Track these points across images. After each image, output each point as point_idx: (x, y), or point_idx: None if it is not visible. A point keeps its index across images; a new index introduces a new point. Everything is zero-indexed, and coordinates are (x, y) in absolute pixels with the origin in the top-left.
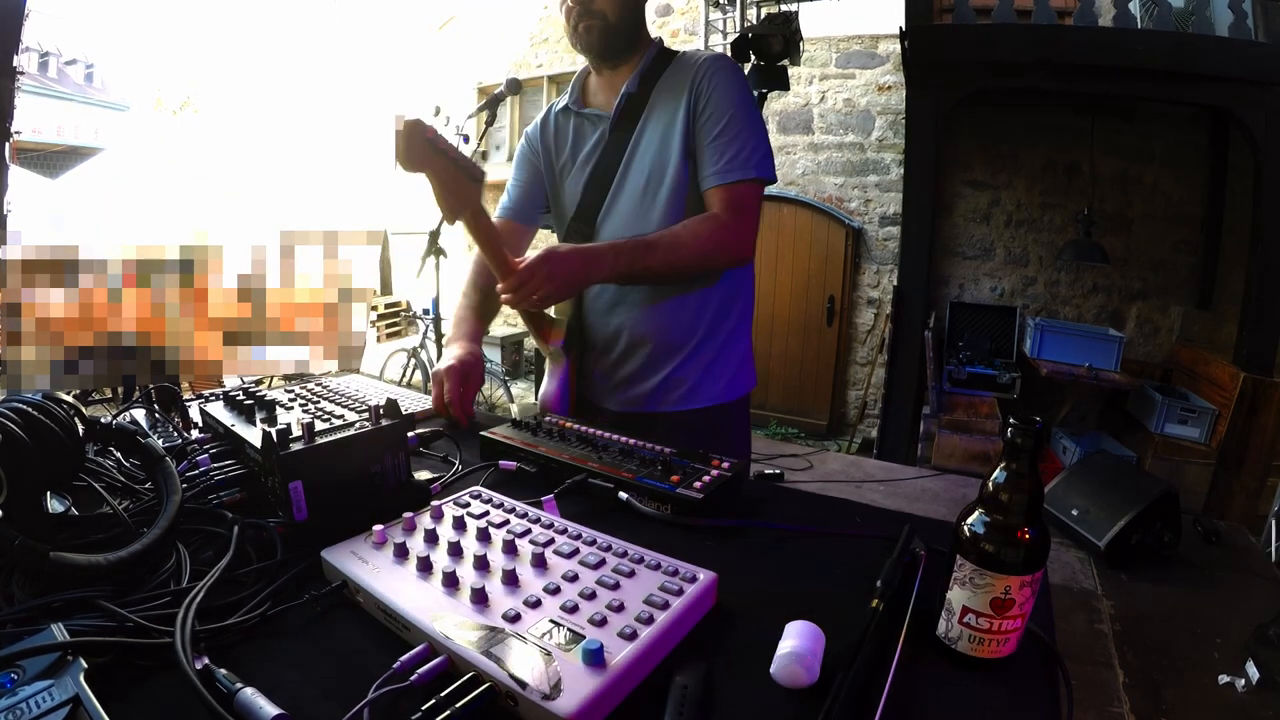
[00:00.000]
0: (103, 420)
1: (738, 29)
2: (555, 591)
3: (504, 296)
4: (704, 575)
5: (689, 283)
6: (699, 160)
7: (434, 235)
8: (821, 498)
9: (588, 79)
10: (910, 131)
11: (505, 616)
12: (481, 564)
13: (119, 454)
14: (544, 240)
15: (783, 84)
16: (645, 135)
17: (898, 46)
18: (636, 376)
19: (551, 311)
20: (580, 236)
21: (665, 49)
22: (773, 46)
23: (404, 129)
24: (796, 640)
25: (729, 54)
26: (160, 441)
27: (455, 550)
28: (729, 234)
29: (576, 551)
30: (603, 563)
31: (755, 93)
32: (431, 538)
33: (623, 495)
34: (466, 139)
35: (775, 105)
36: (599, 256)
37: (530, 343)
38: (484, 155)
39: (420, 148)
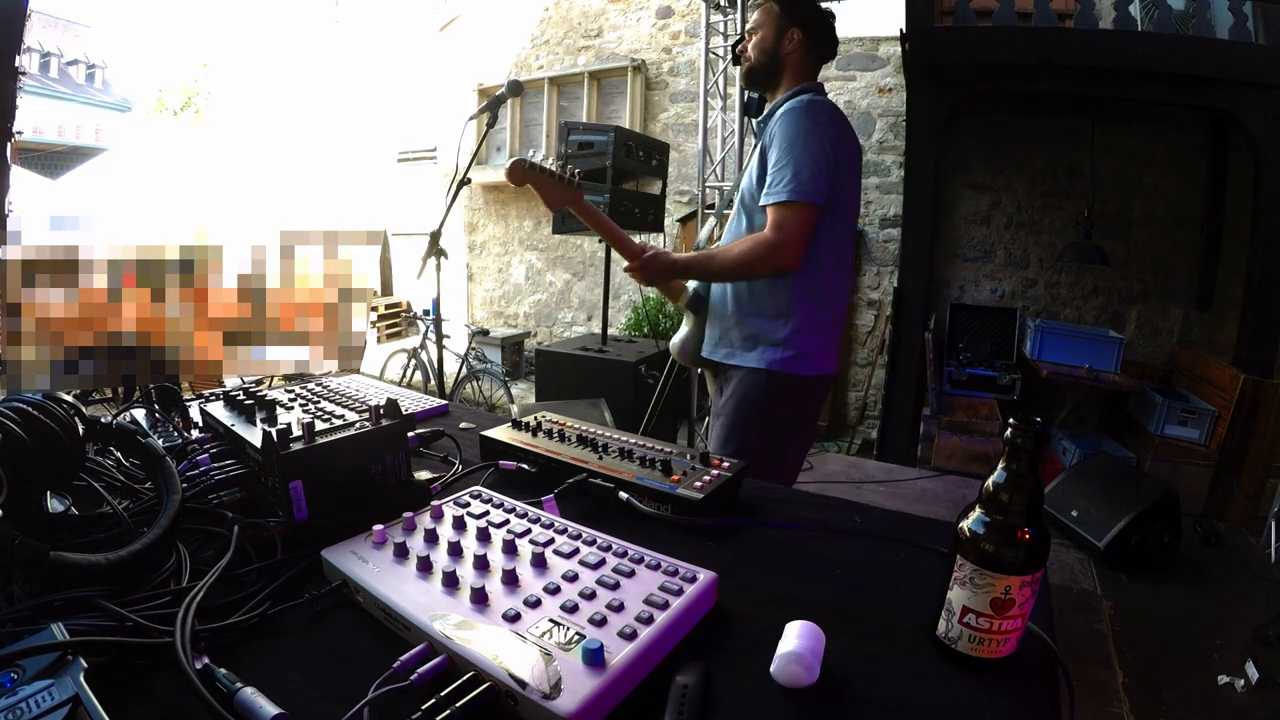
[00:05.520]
0: (103, 420)
1: (738, 31)
2: (555, 591)
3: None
4: (704, 575)
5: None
6: None
7: (434, 236)
8: (821, 498)
9: None
10: (911, 134)
11: (505, 616)
12: (481, 564)
13: (119, 454)
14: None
15: None
16: (753, 160)
17: (898, 49)
18: (713, 330)
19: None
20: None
21: (801, 94)
22: None
23: (509, 165)
24: (796, 640)
25: (730, 56)
26: (160, 441)
27: (455, 550)
28: (766, 249)
29: (576, 551)
30: (602, 563)
31: (755, 97)
32: (431, 537)
33: (623, 495)
34: (563, 166)
35: None
36: (676, 264)
37: (530, 343)
38: (578, 173)
39: (516, 171)
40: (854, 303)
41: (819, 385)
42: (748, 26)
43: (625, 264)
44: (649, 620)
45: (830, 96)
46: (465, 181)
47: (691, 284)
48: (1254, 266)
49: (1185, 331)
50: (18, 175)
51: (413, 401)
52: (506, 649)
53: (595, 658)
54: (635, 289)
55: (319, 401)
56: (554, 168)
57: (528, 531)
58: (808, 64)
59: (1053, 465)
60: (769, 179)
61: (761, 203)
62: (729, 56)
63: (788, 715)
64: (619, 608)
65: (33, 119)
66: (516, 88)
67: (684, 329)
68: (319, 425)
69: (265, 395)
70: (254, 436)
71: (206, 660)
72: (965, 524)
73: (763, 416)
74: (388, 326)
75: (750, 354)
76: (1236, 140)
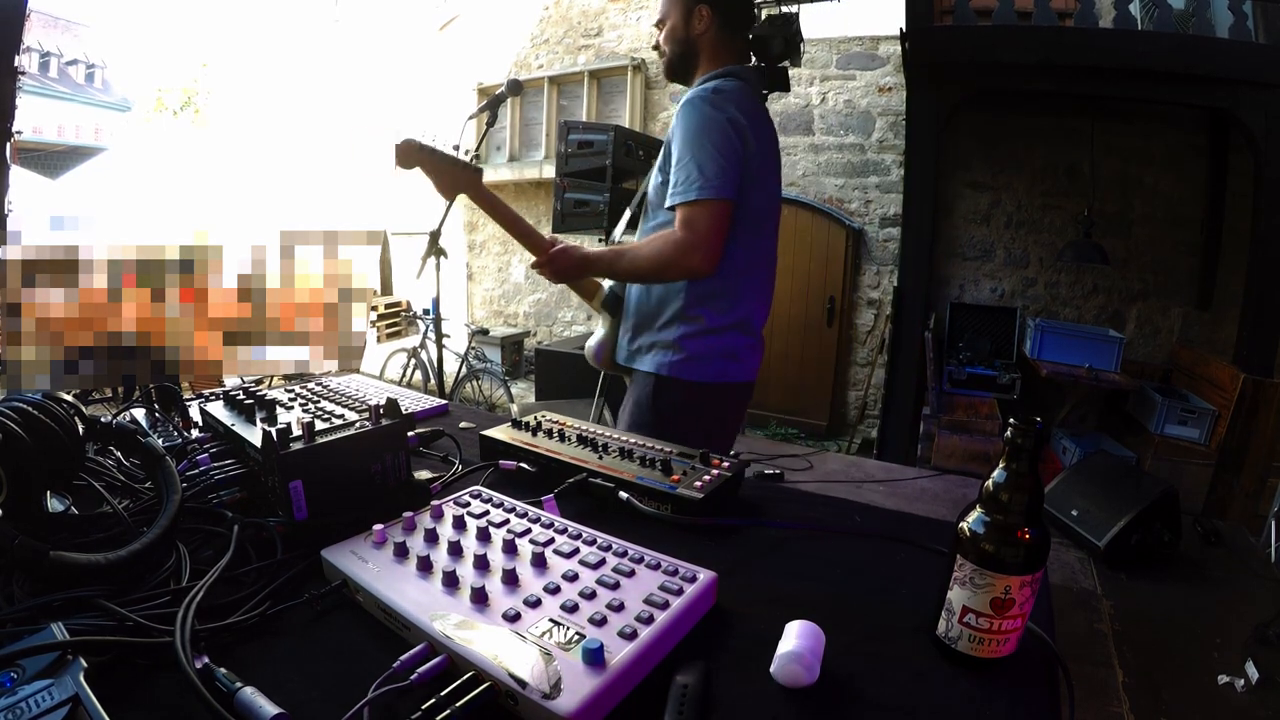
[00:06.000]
0: (103, 420)
1: None
2: (555, 591)
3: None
4: (704, 575)
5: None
6: None
7: (434, 236)
8: (821, 497)
9: None
10: (911, 133)
11: (505, 616)
12: (481, 563)
13: (119, 453)
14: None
15: (783, 85)
16: (659, 157)
17: (898, 48)
18: (621, 332)
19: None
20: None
21: (709, 80)
22: (773, 48)
23: (398, 145)
24: (796, 640)
25: None
26: (160, 441)
27: (455, 550)
28: (677, 250)
29: (576, 551)
30: (602, 562)
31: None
32: (431, 537)
33: (623, 495)
34: (457, 147)
35: (776, 106)
36: (586, 259)
37: (530, 343)
38: (478, 156)
39: (406, 152)
40: (853, 302)
41: (716, 394)
42: (656, 18)
43: (532, 260)
44: (649, 620)
45: (830, 95)
46: None
47: (607, 283)
48: (1254, 266)
49: (1185, 331)
50: (18, 175)
51: (413, 401)
52: (506, 649)
53: (595, 657)
54: None
55: (319, 401)
56: (448, 150)
57: (528, 531)
58: (725, 43)
59: (1053, 465)
60: (673, 178)
61: (668, 204)
62: None
63: (788, 715)
64: (619, 607)
65: (33, 119)
66: (516, 87)
67: (599, 332)
68: (319, 425)
69: (265, 395)
70: (254, 436)
71: (206, 660)
72: (965, 524)
73: (653, 424)
74: (388, 326)
75: (646, 356)
76: (1236, 140)
